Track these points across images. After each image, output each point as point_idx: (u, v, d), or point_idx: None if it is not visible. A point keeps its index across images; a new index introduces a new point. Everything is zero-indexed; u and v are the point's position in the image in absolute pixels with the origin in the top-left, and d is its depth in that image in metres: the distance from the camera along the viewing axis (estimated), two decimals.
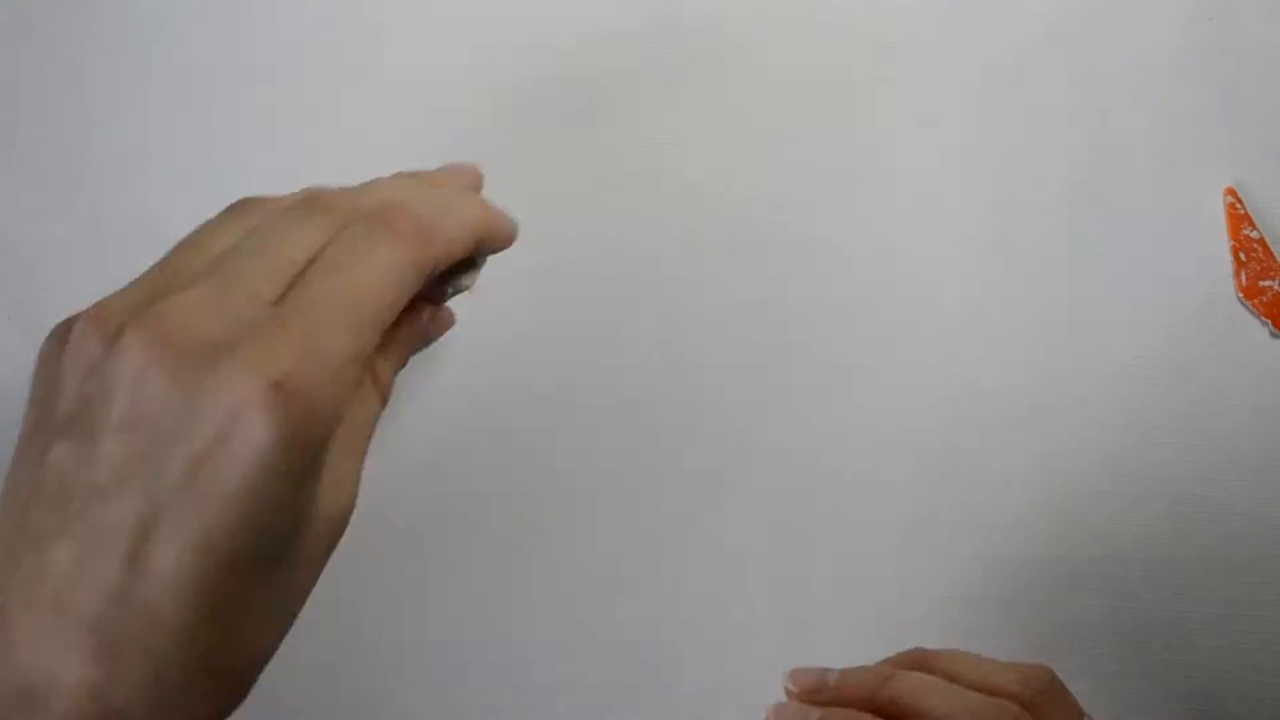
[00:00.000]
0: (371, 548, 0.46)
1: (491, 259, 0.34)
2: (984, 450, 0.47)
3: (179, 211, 0.47)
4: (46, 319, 0.46)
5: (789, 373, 0.47)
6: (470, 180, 0.37)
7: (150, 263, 0.47)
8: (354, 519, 0.30)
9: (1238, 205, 0.47)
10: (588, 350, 0.47)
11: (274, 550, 0.27)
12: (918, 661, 0.38)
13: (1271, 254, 0.47)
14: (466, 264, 0.34)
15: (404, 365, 0.33)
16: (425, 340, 0.35)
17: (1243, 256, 0.47)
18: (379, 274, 0.29)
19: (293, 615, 0.29)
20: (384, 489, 0.44)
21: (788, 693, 0.37)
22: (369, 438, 0.30)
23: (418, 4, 0.47)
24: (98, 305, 0.28)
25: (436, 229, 0.30)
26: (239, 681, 0.28)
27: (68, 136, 0.47)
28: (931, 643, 0.47)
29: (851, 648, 0.40)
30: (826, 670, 0.37)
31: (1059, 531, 0.47)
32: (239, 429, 0.25)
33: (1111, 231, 0.47)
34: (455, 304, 0.36)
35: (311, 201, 0.31)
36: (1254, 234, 0.47)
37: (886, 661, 0.38)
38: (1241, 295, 0.47)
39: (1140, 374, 0.47)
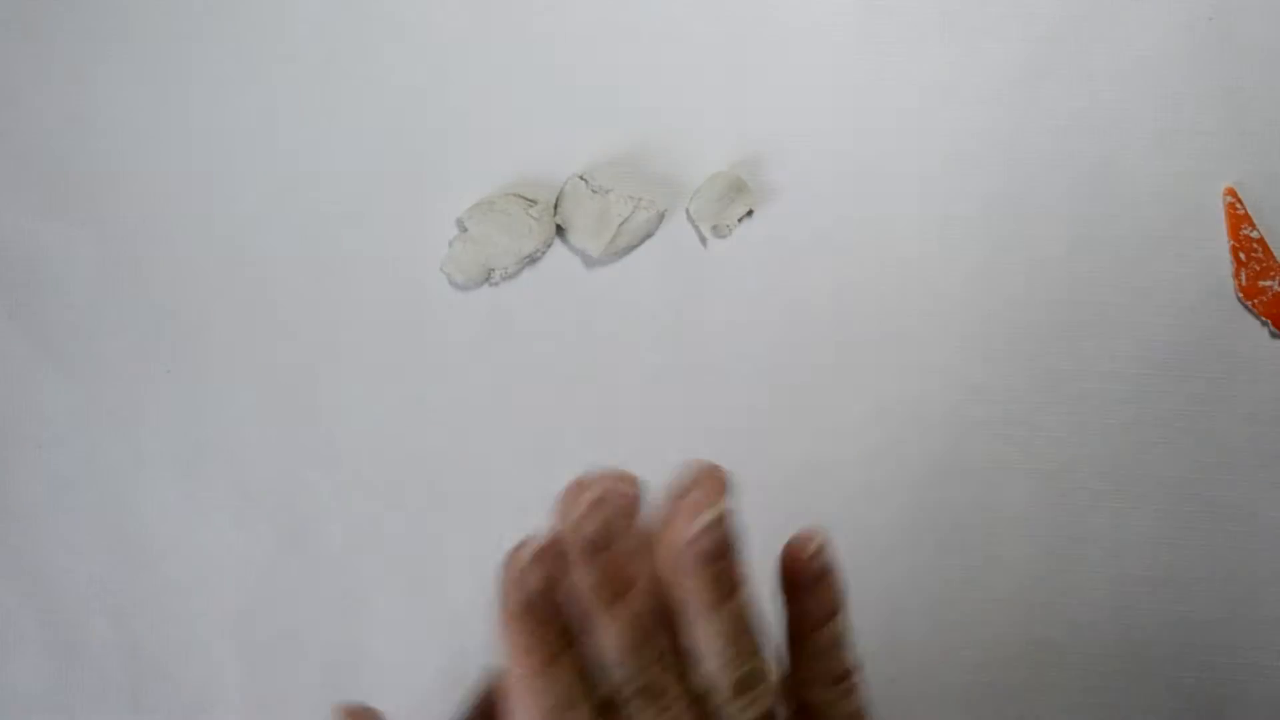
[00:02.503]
0: None
1: None
2: (984, 449, 0.47)
3: (179, 212, 0.47)
4: (46, 319, 0.47)
5: (790, 370, 0.47)
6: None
7: (148, 261, 0.47)
8: None
9: (1238, 205, 0.47)
10: (588, 341, 0.47)
11: None
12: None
13: (1271, 254, 0.47)
14: None
15: None
16: None
17: (1243, 256, 0.47)
18: None
19: None
20: None
21: None
22: None
23: (419, 6, 0.47)
24: None
25: None
26: None
27: (68, 136, 0.47)
28: (928, 639, 0.47)
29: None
30: None
31: (1058, 531, 0.47)
32: None
33: (1111, 231, 0.47)
34: None
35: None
36: (1254, 234, 0.47)
37: None
38: (1241, 295, 0.47)
39: (1140, 374, 0.47)
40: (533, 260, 0.46)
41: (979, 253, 0.47)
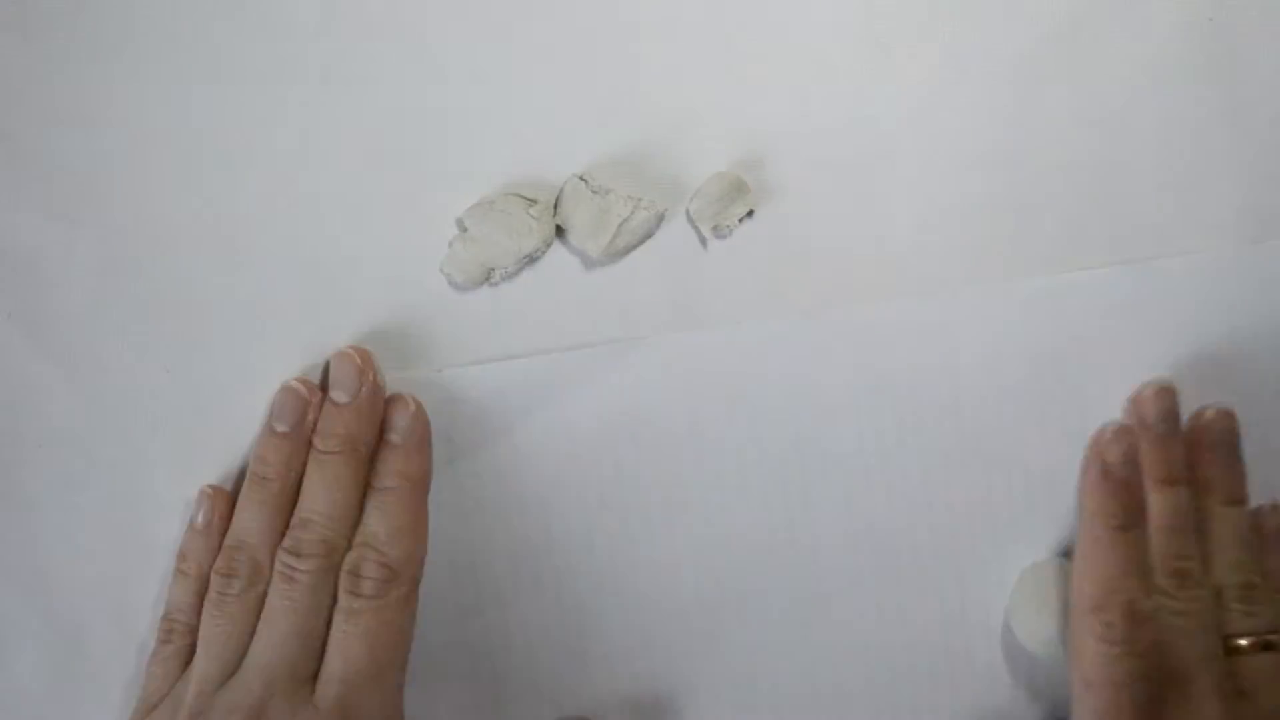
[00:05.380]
0: None
1: None
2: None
3: (179, 211, 0.47)
4: (46, 319, 0.47)
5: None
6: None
7: (148, 261, 0.47)
8: None
9: None
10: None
11: None
12: None
13: None
14: None
15: None
16: None
17: None
18: None
19: None
20: None
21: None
22: None
23: (423, 6, 0.47)
24: None
25: None
26: None
27: (68, 136, 0.47)
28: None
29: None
30: None
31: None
32: None
33: (1112, 233, 0.47)
34: None
35: None
36: None
37: None
38: None
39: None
40: (532, 260, 0.46)
41: (979, 253, 0.47)
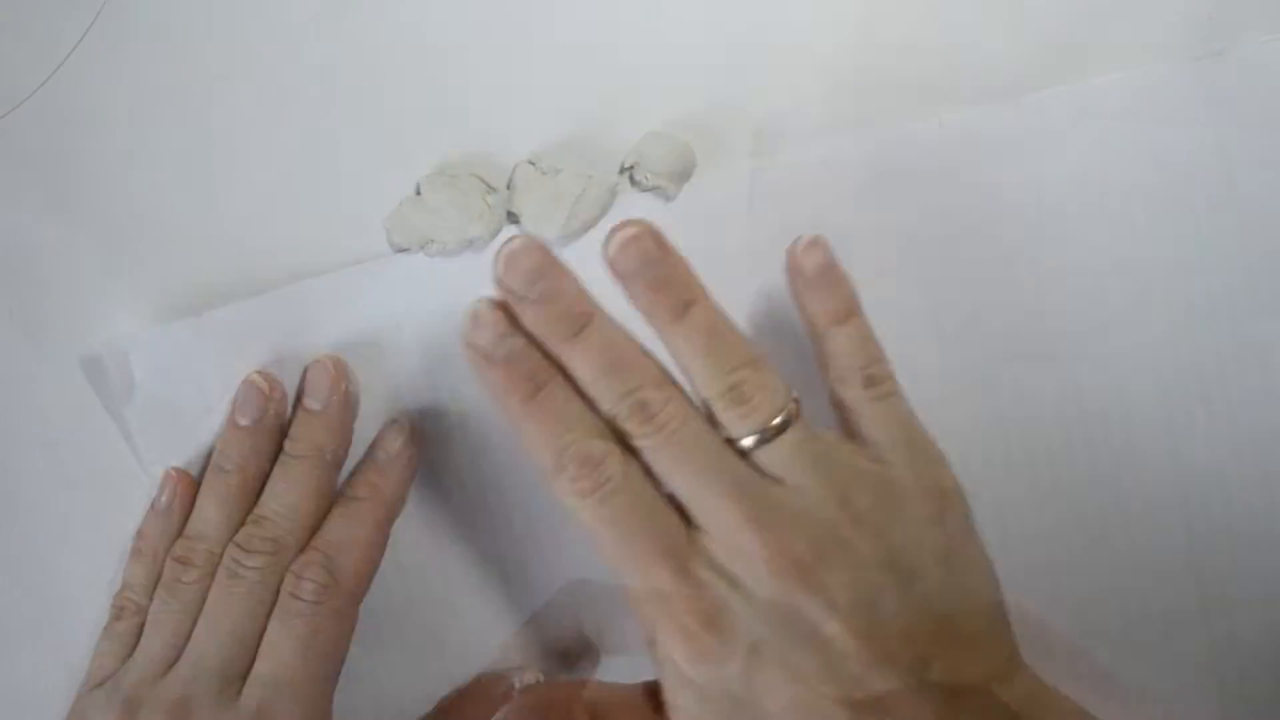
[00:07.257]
0: None
1: None
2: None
3: (178, 211, 0.47)
4: (46, 319, 0.47)
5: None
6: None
7: (148, 260, 0.47)
8: None
9: None
10: None
11: None
12: None
13: None
14: None
15: None
16: None
17: None
18: None
19: None
20: None
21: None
22: None
23: (425, 6, 0.47)
24: None
25: None
26: None
27: (68, 136, 0.47)
28: None
29: None
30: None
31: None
32: None
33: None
34: None
35: None
36: None
37: None
38: None
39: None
40: (474, 245, 0.46)
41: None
